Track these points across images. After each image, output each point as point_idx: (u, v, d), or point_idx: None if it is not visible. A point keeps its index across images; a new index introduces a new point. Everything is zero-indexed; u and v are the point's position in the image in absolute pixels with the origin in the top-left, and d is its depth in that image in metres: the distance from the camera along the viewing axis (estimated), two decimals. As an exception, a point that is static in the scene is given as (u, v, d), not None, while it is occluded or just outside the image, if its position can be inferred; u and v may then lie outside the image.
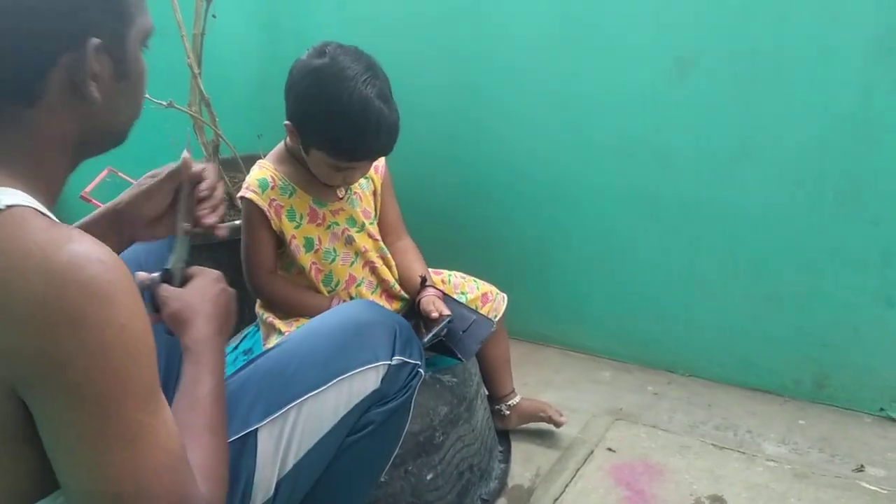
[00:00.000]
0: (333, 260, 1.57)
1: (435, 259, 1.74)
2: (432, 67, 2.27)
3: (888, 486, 1.68)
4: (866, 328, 1.89)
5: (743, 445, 1.85)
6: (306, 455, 1.08)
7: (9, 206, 0.74)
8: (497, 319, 1.70)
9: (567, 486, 1.72)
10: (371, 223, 1.63)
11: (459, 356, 1.53)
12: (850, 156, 1.79)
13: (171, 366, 1.33)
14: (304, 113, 1.44)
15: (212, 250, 1.64)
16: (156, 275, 1.09)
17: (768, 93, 1.83)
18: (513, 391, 1.88)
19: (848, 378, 1.95)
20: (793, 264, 1.92)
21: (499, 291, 1.78)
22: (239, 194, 1.56)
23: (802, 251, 1.90)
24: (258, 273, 1.56)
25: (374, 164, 1.62)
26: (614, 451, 1.84)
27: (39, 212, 0.77)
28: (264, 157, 1.60)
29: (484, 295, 1.74)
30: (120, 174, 1.78)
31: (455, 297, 1.65)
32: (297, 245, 1.54)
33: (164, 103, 1.81)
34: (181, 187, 1.16)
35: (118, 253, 0.85)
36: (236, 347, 1.67)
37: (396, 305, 1.66)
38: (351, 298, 1.58)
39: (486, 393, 1.85)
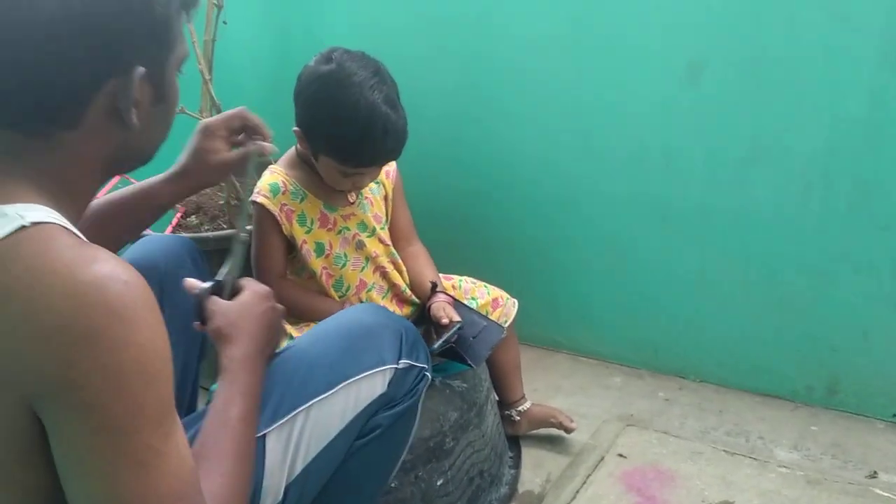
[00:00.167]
0: (344, 265, 1.57)
1: (444, 264, 1.74)
2: (441, 72, 2.27)
3: (902, 492, 1.67)
4: (877, 333, 1.89)
5: (755, 451, 1.84)
6: (314, 460, 1.07)
7: (34, 223, 0.74)
8: (507, 325, 1.70)
9: (577, 492, 1.71)
10: (382, 228, 1.63)
11: (470, 362, 1.53)
12: (861, 160, 1.78)
13: (187, 368, 1.34)
14: (311, 119, 1.44)
15: (221, 256, 1.64)
16: (206, 285, 1.09)
17: (778, 97, 1.83)
18: (523, 397, 1.88)
19: (859, 383, 1.94)
20: (803, 269, 1.92)
21: (509, 297, 1.78)
22: (250, 198, 1.56)
23: (813, 256, 1.90)
24: (268, 277, 1.56)
25: (386, 169, 1.62)
26: (625, 457, 1.83)
27: (66, 229, 0.78)
28: (275, 162, 1.60)
29: (494, 300, 1.74)
30: (131, 180, 1.79)
31: (465, 302, 1.65)
32: (307, 250, 1.54)
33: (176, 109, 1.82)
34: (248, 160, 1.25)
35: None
36: (247, 352, 1.67)
37: (407, 310, 1.66)
38: (362, 303, 1.58)
39: (497, 398, 1.84)
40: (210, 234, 2.00)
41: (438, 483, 1.52)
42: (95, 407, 0.71)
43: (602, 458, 1.83)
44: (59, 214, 0.79)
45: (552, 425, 1.88)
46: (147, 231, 1.37)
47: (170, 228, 2.08)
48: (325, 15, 2.47)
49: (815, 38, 1.76)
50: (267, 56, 2.60)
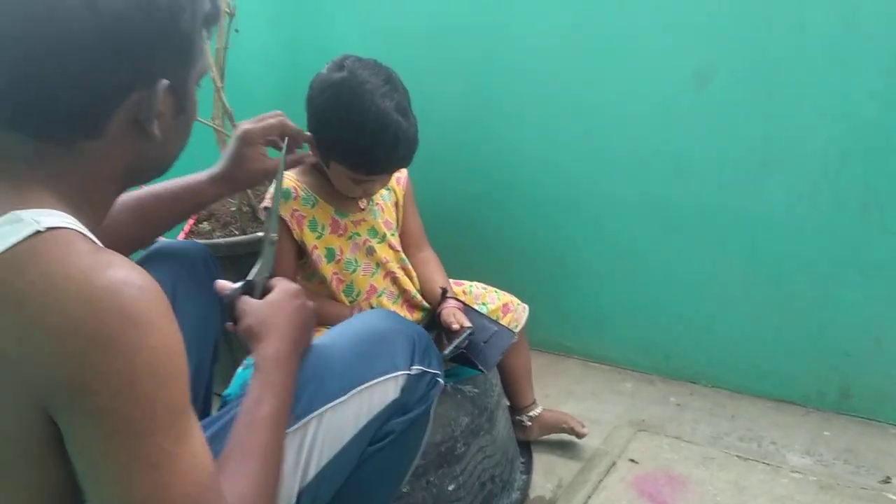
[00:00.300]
0: (355, 270, 1.58)
1: (454, 269, 1.74)
2: (449, 77, 2.28)
3: (915, 498, 1.66)
4: (890, 337, 1.88)
5: (767, 457, 1.83)
6: (327, 465, 1.08)
7: (49, 228, 0.75)
8: (518, 330, 1.70)
9: (589, 497, 1.71)
10: (392, 234, 1.64)
11: (481, 367, 1.53)
12: (871, 164, 1.78)
13: (199, 374, 1.35)
14: (323, 126, 1.45)
15: (233, 262, 1.65)
16: (237, 286, 1.12)
17: (786, 101, 1.83)
18: (534, 402, 1.88)
19: (871, 388, 1.93)
20: (814, 273, 1.91)
21: (520, 302, 1.78)
22: (262, 205, 1.57)
23: (824, 260, 1.89)
24: None
25: (397, 175, 1.63)
26: (637, 463, 1.83)
27: (82, 234, 0.78)
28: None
29: (505, 305, 1.74)
30: (144, 188, 1.80)
31: (476, 307, 1.65)
32: (318, 255, 1.55)
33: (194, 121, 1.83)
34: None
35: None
36: (259, 358, 1.68)
37: (418, 315, 1.66)
38: (372, 308, 1.58)
39: (508, 404, 1.84)
40: (222, 240, 2.01)
41: (450, 488, 1.52)
42: (109, 411, 0.72)
43: (614, 464, 1.82)
44: (75, 220, 0.80)
45: (563, 430, 1.88)
46: (159, 237, 1.40)
47: (182, 234, 2.09)
48: (336, 22, 2.49)
49: (823, 42, 1.76)
50: (278, 63, 2.62)
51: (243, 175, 1.38)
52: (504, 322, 1.69)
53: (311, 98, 1.47)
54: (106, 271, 0.73)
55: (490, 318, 1.62)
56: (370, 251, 1.59)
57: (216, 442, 0.92)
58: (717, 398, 2.11)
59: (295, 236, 1.54)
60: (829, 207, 1.85)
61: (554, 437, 1.92)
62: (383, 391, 1.13)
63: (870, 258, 1.84)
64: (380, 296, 1.61)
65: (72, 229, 0.78)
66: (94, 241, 0.80)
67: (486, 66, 2.23)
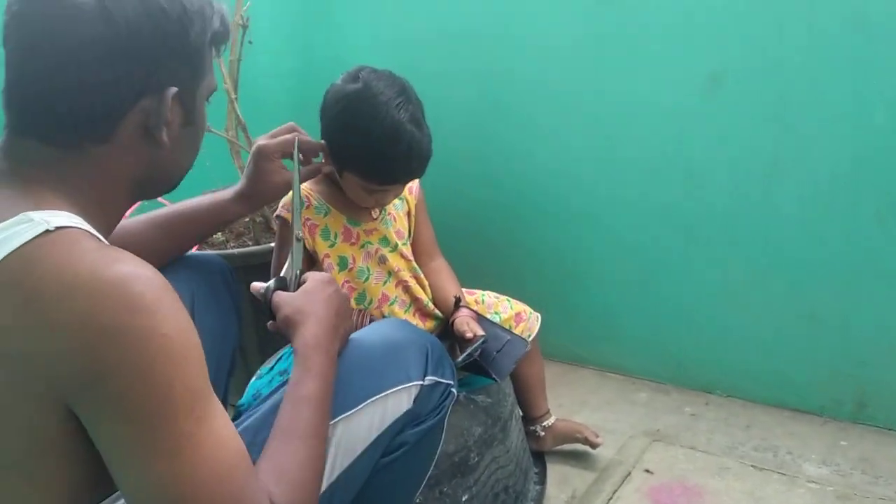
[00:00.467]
0: (367, 279, 1.58)
1: (466, 278, 1.74)
2: (461, 86, 2.29)
3: (934, 508, 1.65)
4: (906, 346, 1.86)
5: (783, 467, 1.82)
6: (340, 476, 1.07)
7: (58, 228, 0.77)
8: (531, 339, 1.70)
9: (604, 507, 1.70)
10: (404, 244, 1.64)
11: (494, 376, 1.53)
12: (886, 170, 1.77)
13: (215, 385, 1.36)
14: (337, 136, 1.46)
15: (246, 272, 1.66)
16: (271, 283, 1.15)
17: (801, 107, 1.82)
18: (548, 412, 1.87)
19: (888, 397, 1.92)
20: (830, 281, 1.90)
21: (532, 311, 1.78)
22: (274, 214, 1.58)
23: (840, 268, 1.88)
24: None
25: (409, 185, 1.63)
26: (652, 473, 1.82)
27: (89, 233, 0.80)
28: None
29: (517, 314, 1.74)
30: (164, 202, 1.81)
31: (488, 316, 1.65)
32: (330, 264, 1.55)
33: (203, 136, 1.84)
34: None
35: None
36: (272, 368, 1.68)
37: (430, 324, 1.66)
38: (384, 317, 1.59)
39: (521, 414, 1.84)
40: (235, 250, 2.02)
41: (464, 498, 1.52)
42: (125, 399, 0.73)
43: (628, 474, 1.82)
44: (83, 221, 0.82)
45: (577, 441, 1.87)
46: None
47: (196, 246, 2.09)
48: (347, 32, 2.50)
49: (836, 48, 1.75)
50: (290, 74, 2.63)
51: (264, 190, 1.42)
52: (517, 331, 1.68)
53: (325, 108, 1.48)
54: (113, 266, 0.75)
55: (503, 327, 1.62)
56: (382, 260, 1.59)
57: (255, 432, 0.94)
58: (732, 408, 2.10)
59: (307, 245, 1.54)
60: (844, 213, 1.84)
61: (568, 447, 1.91)
62: (397, 402, 1.13)
63: (885, 266, 1.83)
64: (392, 304, 1.61)
65: (80, 228, 0.80)
66: (101, 240, 0.81)
67: (497, 74, 2.23)
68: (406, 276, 1.62)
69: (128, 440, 0.74)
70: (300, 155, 1.42)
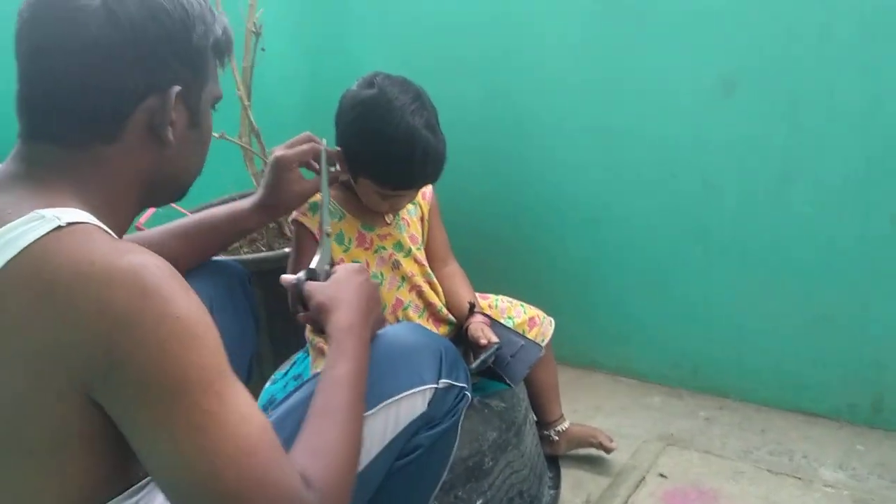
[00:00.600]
0: (381, 284, 1.58)
1: (479, 283, 1.74)
2: (474, 91, 2.29)
3: (952, 513, 1.63)
4: (922, 349, 1.85)
5: (799, 471, 1.81)
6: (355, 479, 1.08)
7: (69, 223, 0.79)
8: (545, 344, 1.70)
9: (618, 512, 1.70)
10: (418, 249, 1.64)
11: (508, 381, 1.53)
12: (897, 174, 1.77)
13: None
14: (352, 142, 1.47)
15: (260, 277, 1.67)
16: (301, 274, 1.17)
17: (814, 109, 1.82)
18: (562, 416, 1.87)
19: (906, 401, 1.91)
20: (844, 285, 1.89)
21: (546, 316, 1.77)
22: (290, 218, 1.59)
23: (854, 271, 1.87)
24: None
25: (422, 190, 1.64)
26: (666, 477, 1.81)
27: (100, 228, 0.83)
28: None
29: (531, 319, 1.74)
30: (173, 205, 1.82)
31: (502, 321, 1.65)
32: (344, 268, 1.56)
33: (216, 135, 1.85)
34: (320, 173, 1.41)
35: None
36: (286, 373, 1.69)
37: (444, 329, 1.66)
38: (398, 321, 1.59)
39: (535, 418, 1.84)
40: (248, 256, 2.03)
41: (478, 503, 1.52)
42: (143, 382, 0.74)
43: (643, 479, 1.81)
44: (94, 218, 0.84)
45: (591, 445, 1.87)
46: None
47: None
48: (358, 39, 2.50)
49: (848, 50, 1.75)
50: (303, 80, 2.64)
51: (284, 200, 1.45)
52: (530, 336, 1.68)
53: (340, 114, 1.49)
54: (125, 255, 0.77)
55: (517, 332, 1.62)
56: (396, 265, 1.59)
57: (277, 429, 0.95)
58: (746, 412, 2.09)
59: (322, 249, 1.55)
60: (857, 215, 1.83)
61: (582, 451, 1.90)
62: (411, 405, 1.13)
63: (900, 269, 1.82)
64: (405, 309, 1.61)
65: (90, 224, 0.82)
66: (112, 235, 0.83)
67: (509, 80, 2.23)
68: (419, 281, 1.62)
69: (150, 423, 0.76)
70: (317, 164, 1.44)
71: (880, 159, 1.77)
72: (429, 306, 1.65)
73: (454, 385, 1.19)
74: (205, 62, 0.97)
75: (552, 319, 1.78)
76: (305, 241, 1.56)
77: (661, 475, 1.82)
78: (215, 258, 1.50)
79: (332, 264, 1.24)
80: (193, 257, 1.40)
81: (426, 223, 1.69)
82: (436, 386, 1.16)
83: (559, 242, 2.30)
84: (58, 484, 0.79)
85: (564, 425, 1.86)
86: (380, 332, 1.26)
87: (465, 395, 1.22)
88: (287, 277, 1.20)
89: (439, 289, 1.67)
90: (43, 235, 0.76)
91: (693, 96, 1.96)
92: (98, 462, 0.80)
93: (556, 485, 1.80)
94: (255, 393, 1.48)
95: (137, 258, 0.77)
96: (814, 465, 1.83)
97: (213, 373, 0.78)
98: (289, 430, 0.94)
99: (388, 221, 1.60)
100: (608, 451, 1.85)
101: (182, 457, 0.75)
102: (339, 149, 1.48)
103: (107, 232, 0.83)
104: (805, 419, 2.02)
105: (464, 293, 1.66)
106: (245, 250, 2.15)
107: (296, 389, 1.16)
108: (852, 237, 1.85)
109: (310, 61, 2.64)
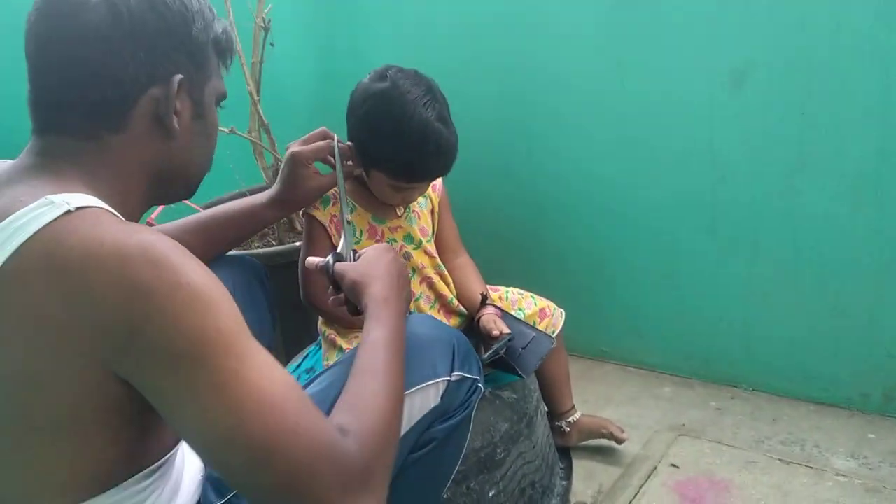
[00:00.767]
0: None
1: (490, 274, 1.75)
2: (483, 84, 2.29)
3: (965, 501, 1.63)
4: (935, 338, 1.85)
5: (811, 460, 1.81)
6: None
7: (79, 207, 0.80)
8: (555, 335, 1.70)
9: (630, 502, 1.70)
10: (428, 241, 1.65)
11: (519, 373, 1.54)
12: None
13: None
14: (365, 135, 1.47)
15: (272, 271, 1.67)
16: (329, 258, 1.19)
17: (827, 101, 1.81)
18: (573, 407, 1.87)
19: (918, 390, 1.90)
20: (856, 274, 1.89)
21: (556, 307, 1.78)
22: (301, 211, 1.60)
23: (866, 260, 1.87)
24: (313, 286, 1.58)
25: (433, 182, 1.64)
26: (678, 468, 1.81)
27: (110, 212, 0.84)
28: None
29: (541, 311, 1.74)
30: (193, 206, 1.83)
31: (513, 313, 1.66)
32: (355, 261, 1.56)
33: (226, 130, 1.86)
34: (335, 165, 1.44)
35: None
36: (299, 366, 1.70)
37: (455, 321, 1.67)
38: (409, 313, 1.59)
39: (546, 410, 1.84)
40: (259, 250, 2.04)
41: (490, 494, 1.53)
42: (161, 348, 0.75)
43: (654, 469, 1.81)
44: (104, 203, 0.85)
45: (603, 436, 1.87)
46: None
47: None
48: (368, 33, 2.51)
49: (862, 41, 1.74)
50: (312, 75, 2.65)
51: (299, 195, 1.48)
52: (541, 327, 1.68)
53: (352, 107, 1.49)
54: (135, 235, 0.78)
55: (527, 323, 1.62)
56: (406, 257, 1.60)
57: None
58: (757, 402, 2.09)
59: (334, 241, 1.56)
60: (871, 208, 1.82)
61: (593, 442, 1.91)
62: (424, 398, 1.13)
63: (913, 258, 1.82)
64: (417, 300, 1.62)
65: (100, 207, 0.83)
66: (120, 218, 0.85)
67: (519, 71, 2.23)
68: (430, 272, 1.63)
69: (174, 388, 0.76)
70: (331, 158, 1.47)
71: (894, 150, 1.77)
72: (440, 298, 1.65)
73: (467, 377, 1.20)
74: (206, 57, 1.00)
75: (563, 311, 1.78)
76: (317, 234, 1.57)
77: (673, 465, 1.82)
78: (232, 253, 1.51)
79: (355, 251, 1.24)
80: (210, 252, 1.41)
81: (436, 215, 1.69)
82: (449, 379, 1.16)
83: (570, 234, 2.30)
84: (69, 464, 0.80)
85: (576, 416, 1.87)
86: None
87: (477, 387, 1.22)
88: (315, 260, 1.21)
89: (450, 280, 1.68)
90: (53, 220, 0.78)
91: (705, 88, 1.95)
92: (110, 443, 0.82)
93: (568, 475, 1.81)
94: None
95: (147, 236, 0.79)
96: (826, 455, 1.83)
97: (231, 335, 0.79)
98: None
99: (399, 214, 1.61)
100: (619, 441, 1.85)
101: (208, 417, 0.76)
102: (350, 144, 1.49)
103: (116, 215, 0.85)
104: (816, 408, 2.02)
105: (475, 285, 1.66)
106: (256, 245, 2.16)
107: (309, 383, 1.16)
108: (865, 228, 1.85)
109: (320, 55, 2.65)
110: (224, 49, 1.04)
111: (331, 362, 1.53)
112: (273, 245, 2.13)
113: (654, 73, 2.02)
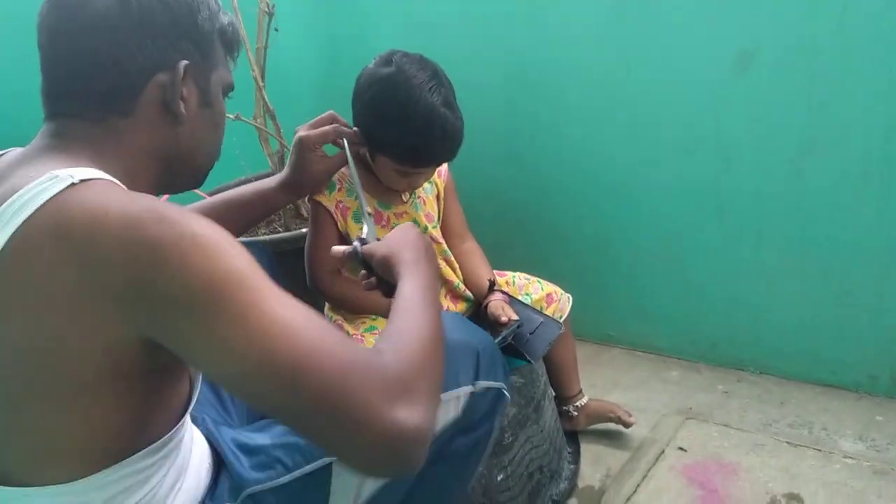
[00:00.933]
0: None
1: (496, 260, 1.75)
2: (488, 68, 2.28)
3: (973, 482, 1.63)
4: (943, 321, 1.84)
5: (818, 443, 1.81)
6: (382, 488, 1.06)
7: (83, 180, 0.81)
8: (563, 320, 1.70)
9: (638, 486, 1.71)
10: (434, 226, 1.65)
11: (528, 358, 1.54)
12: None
13: None
14: (370, 120, 1.47)
15: (279, 257, 1.67)
16: (355, 242, 1.18)
17: (833, 85, 1.80)
18: (580, 392, 1.88)
19: (925, 372, 1.90)
20: (863, 257, 1.88)
21: (563, 292, 1.78)
22: (307, 197, 1.60)
23: (873, 244, 1.86)
24: (320, 271, 1.59)
25: (438, 168, 1.64)
26: (685, 451, 1.82)
27: (115, 183, 0.85)
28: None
29: (548, 296, 1.74)
30: (201, 194, 1.83)
31: (520, 298, 1.66)
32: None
33: (232, 116, 1.85)
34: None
35: None
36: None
37: (461, 306, 1.67)
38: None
39: (554, 394, 1.84)
40: (266, 237, 2.03)
41: (499, 478, 1.53)
42: (174, 295, 0.75)
43: (662, 452, 1.82)
44: (109, 175, 0.86)
45: (610, 420, 1.88)
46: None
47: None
48: (373, 18, 2.49)
49: (869, 24, 1.72)
50: (317, 60, 2.64)
51: (308, 179, 1.50)
52: (548, 312, 1.68)
53: (358, 92, 1.49)
54: (139, 200, 0.80)
55: (535, 308, 1.62)
56: (413, 243, 1.59)
57: None
58: (765, 385, 2.09)
59: (339, 227, 1.56)
60: (878, 190, 1.81)
61: (601, 426, 1.91)
62: (444, 410, 1.09)
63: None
64: (424, 286, 1.62)
65: (105, 179, 0.85)
66: (125, 189, 0.86)
67: (524, 55, 2.22)
68: (437, 258, 1.63)
69: (195, 332, 0.76)
70: (340, 141, 1.48)
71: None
72: (446, 283, 1.66)
73: (491, 387, 1.16)
74: (211, 46, 1.01)
75: (570, 296, 1.78)
76: (323, 219, 1.57)
77: (681, 448, 1.83)
78: (241, 240, 1.51)
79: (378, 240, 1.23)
80: None
81: (442, 201, 1.69)
82: (472, 389, 1.13)
83: (576, 219, 2.29)
84: (80, 431, 0.81)
85: (583, 400, 1.87)
86: None
87: (503, 395, 1.18)
88: (340, 249, 1.19)
89: (456, 266, 1.68)
90: (58, 192, 0.78)
91: (711, 71, 1.94)
92: (121, 412, 0.82)
93: (576, 460, 1.81)
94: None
95: (152, 201, 0.80)
96: (833, 437, 1.83)
97: (242, 273, 0.78)
98: None
99: (405, 200, 1.61)
100: (627, 425, 1.86)
101: (232, 350, 0.75)
102: (356, 129, 1.49)
103: (122, 188, 0.85)
104: (824, 391, 2.02)
105: (482, 270, 1.66)
106: (263, 231, 2.15)
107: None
108: (871, 211, 1.84)
109: (325, 41, 2.64)
110: (230, 40, 1.06)
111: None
112: (279, 231, 2.13)
113: (659, 57, 2.01)
